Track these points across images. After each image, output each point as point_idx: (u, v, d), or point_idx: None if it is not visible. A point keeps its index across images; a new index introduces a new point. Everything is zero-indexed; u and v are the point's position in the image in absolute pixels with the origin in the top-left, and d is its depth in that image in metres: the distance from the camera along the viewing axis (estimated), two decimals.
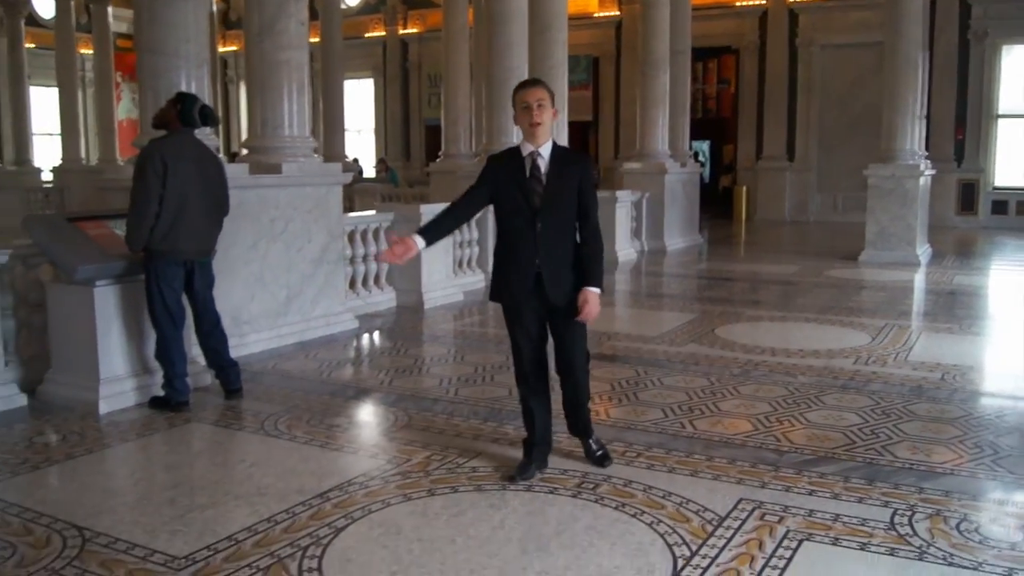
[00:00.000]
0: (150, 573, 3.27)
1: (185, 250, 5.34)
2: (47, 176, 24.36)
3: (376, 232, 8.76)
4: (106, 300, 5.42)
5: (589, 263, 4.05)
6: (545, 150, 4.03)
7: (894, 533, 3.54)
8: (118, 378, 5.50)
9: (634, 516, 3.73)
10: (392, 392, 5.77)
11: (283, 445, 4.73)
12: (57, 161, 24.42)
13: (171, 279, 5.32)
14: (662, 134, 14.59)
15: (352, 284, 8.50)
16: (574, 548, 3.43)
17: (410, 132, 25.54)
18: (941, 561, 3.31)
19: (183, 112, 5.35)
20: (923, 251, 12.81)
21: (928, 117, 15.53)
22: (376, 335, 7.76)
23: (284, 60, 7.23)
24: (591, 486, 4.06)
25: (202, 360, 5.85)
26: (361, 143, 25.78)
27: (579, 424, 4.36)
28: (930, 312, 8.95)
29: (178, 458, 4.68)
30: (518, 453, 4.32)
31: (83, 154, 24.61)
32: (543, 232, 3.98)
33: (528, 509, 3.82)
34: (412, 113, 25.44)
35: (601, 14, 21.97)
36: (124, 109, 27.62)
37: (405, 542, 3.49)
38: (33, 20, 25.28)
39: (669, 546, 3.43)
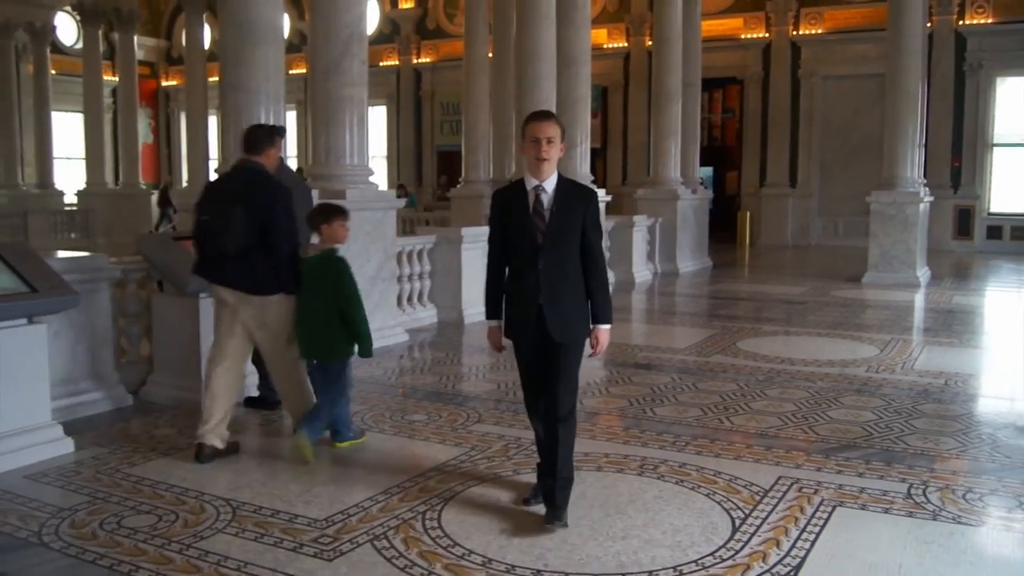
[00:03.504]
0: (300, 531, 3.97)
1: None
2: (69, 199, 25.12)
3: (420, 253, 9.51)
4: (209, 310, 6.10)
5: (600, 298, 4.01)
6: (549, 184, 3.94)
7: (911, 501, 4.26)
8: None
9: (692, 489, 4.44)
10: (458, 394, 6.49)
11: (375, 436, 5.44)
12: (80, 184, 25.16)
13: None
14: (674, 162, 15.39)
15: (398, 301, 9.21)
16: (648, 512, 4.14)
17: (422, 158, 26.36)
18: (952, 521, 4.04)
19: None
20: (923, 273, 13.58)
21: (925, 145, 16.34)
22: (427, 347, 8.47)
23: (348, 96, 7.99)
24: (651, 467, 4.77)
25: None
26: (374, 169, 26.54)
27: (553, 486, 3.97)
28: (931, 328, 9.69)
29: (285, 447, 5.36)
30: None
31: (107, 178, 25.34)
32: (545, 269, 3.90)
33: (602, 484, 4.52)
34: (424, 140, 26.30)
35: (610, 45, 22.87)
36: (140, 134, 28.43)
37: (507, 507, 4.20)
38: (55, 47, 26.12)
39: (726, 511, 4.15)
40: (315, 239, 5.35)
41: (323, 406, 5.04)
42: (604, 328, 4.03)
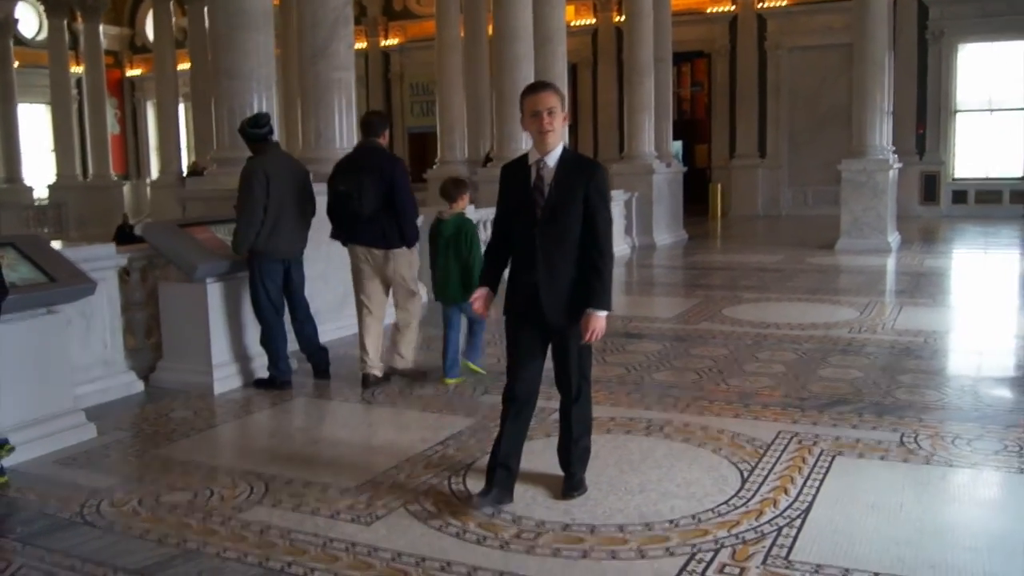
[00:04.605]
0: (334, 500, 4.16)
1: (284, 250, 6.22)
2: (38, 193, 24.87)
3: None
4: (216, 295, 6.28)
5: (594, 281, 3.79)
6: (552, 158, 3.80)
7: (905, 448, 4.56)
8: (226, 363, 6.35)
9: (699, 446, 4.71)
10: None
11: (389, 410, 5.65)
12: (50, 178, 24.91)
13: (274, 275, 6.20)
14: (648, 137, 15.61)
15: None
16: (660, 468, 4.40)
17: (393, 140, 26.34)
18: (944, 464, 4.35)
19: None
20: (893, 238, 13.97)
21: (892, 113, 16.70)
22: (424, 326, 8.63)
23: (336, 79, 8.13)
24: (658, 427, 5.03)
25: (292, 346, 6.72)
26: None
27: (570, 459, 4.11)
28: (906, 290, 10.04)
29: (303, 424, 5.57)
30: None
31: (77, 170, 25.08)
32: (541, 246, 3.78)
33: (613, 445, 4.77)
34: (395, 122, 26.30)
35: (577, 22, 22.94)
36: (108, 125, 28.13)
37: (527, 470, 4.41)
38: (17, 40, 25.75)
39: (733, 464, 4.41)
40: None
41: (452, 341, 6.41)
42: (596, 314, 3.80)
